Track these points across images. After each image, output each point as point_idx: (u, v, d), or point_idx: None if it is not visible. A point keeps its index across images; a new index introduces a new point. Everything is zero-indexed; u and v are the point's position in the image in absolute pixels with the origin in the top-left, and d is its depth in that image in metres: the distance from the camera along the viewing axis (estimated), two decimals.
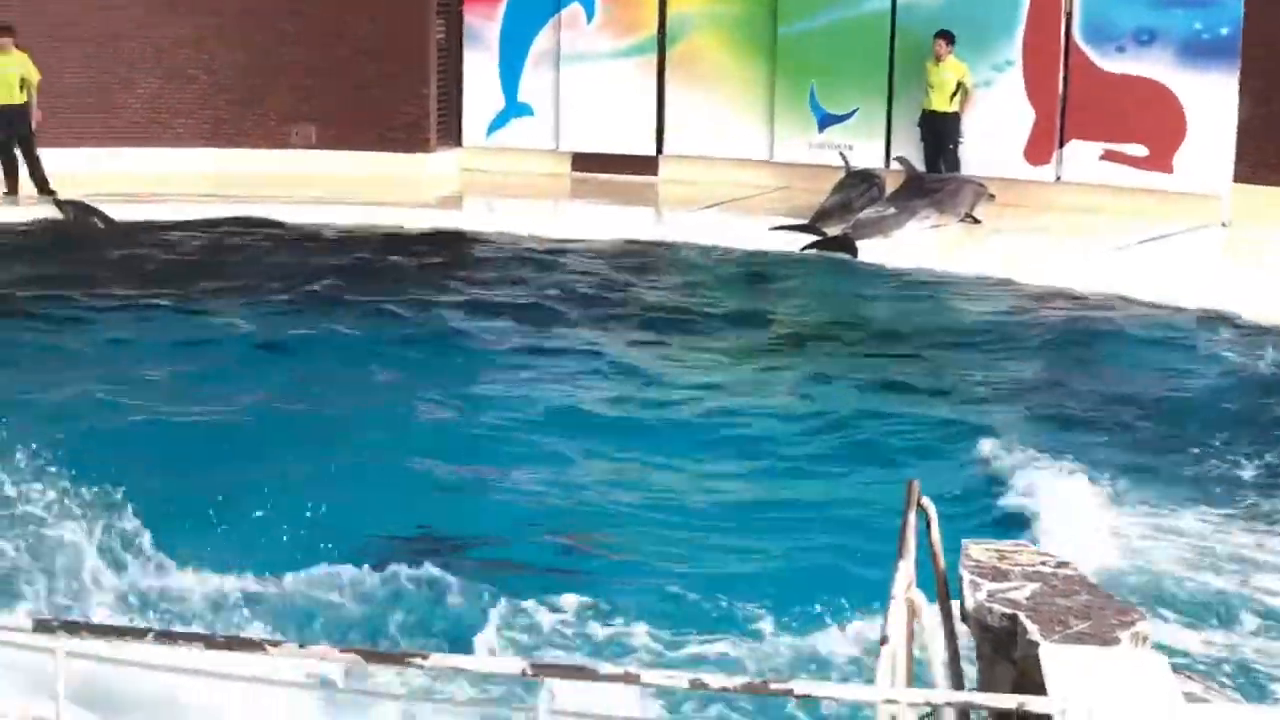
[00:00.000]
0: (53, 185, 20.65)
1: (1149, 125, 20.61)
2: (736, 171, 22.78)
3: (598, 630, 9.15)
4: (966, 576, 6.04)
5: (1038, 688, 5.11)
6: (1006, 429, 12.56)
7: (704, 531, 10.76)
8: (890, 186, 20.48)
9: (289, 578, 9.57)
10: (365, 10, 23.35)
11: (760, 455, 12.39)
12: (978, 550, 6.31)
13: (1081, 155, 21.10)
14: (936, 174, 21.01)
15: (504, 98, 23.98)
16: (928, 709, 5.25)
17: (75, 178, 21.06)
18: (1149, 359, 15.02)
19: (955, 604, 6.20)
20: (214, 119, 23.27)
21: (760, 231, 19.79)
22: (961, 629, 6.08)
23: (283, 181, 22.09)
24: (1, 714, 5.56)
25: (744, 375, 14.83)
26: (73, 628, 5.37)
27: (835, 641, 8.93)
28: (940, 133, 21.32)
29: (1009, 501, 10.98)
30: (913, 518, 5.84)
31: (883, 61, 22.10)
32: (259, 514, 10.18)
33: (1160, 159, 20.62)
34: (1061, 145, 21.21)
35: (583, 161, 23.75)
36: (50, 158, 20.89)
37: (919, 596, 5.47)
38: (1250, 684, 8.61)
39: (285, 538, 9.89)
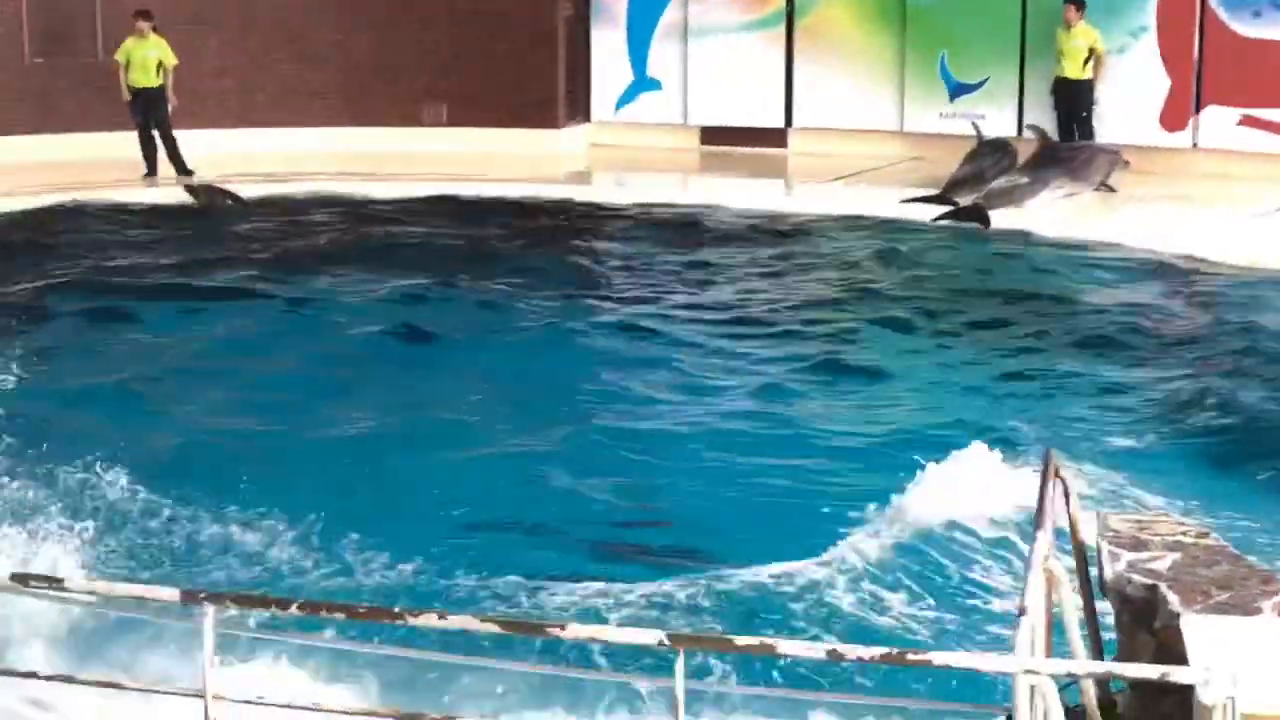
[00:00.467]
0: (190, 166, 20.96)
1: None
2: (866, 143, 22.63)
3: None
4: (1105, 547, 6.00)
5: (1179, 658, 5.07)
6: (1143, 400, 12.42)
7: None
8: (1023, 156, 20.26)
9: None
10: None
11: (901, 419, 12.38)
12: (1117, 520, 6.26)
13: (1219, 121, 20.75)
14: (1070, 142, 20.76)
15: (632, 72, 23.99)
16: (1067, 679, 5.22)
17: (214, 159, 21.37)
18: None
19: (1093, 573, 6.16)
20: (347, 99, 23.49)
21: (892, 203, 19.68)
22: (1100, 599, 6.04)
23: (414, 160, 22.27)
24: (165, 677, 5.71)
25: (879, 345, 14.76)
26: (217, 598, 5.48)
27: None
28: (1073, 100, 21.05)
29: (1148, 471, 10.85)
30: (1050, 488, 5.81)
31: (1014, 29, 21.86)
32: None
33: None
34: (1198, 111, 20.87)
35: (711, 135, 23.70)
36: (189, 139, 21.20)
37: (1057, 567, 5.43)
38: None
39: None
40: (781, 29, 23.17)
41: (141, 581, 6.37)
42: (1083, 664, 5.36)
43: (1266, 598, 5.50)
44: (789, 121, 23.29)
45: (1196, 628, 5.16)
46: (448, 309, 15.88)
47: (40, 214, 19.49)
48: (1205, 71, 20.80)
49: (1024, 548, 7.26)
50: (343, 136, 23.20)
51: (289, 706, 6.07)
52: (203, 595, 5.36)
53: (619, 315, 15.73)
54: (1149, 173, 20.47)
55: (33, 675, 6.47)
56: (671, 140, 23.74)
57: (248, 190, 20.57)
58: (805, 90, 23.10)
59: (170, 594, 5.60)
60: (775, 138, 23.32)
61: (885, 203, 19.71)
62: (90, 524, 9.77)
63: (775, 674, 7.66)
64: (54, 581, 5.93)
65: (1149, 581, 5.65)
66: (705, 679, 6.87)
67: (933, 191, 19.79)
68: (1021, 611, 4.87)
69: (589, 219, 20.13)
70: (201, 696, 5.11)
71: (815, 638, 7.87)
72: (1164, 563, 5.77)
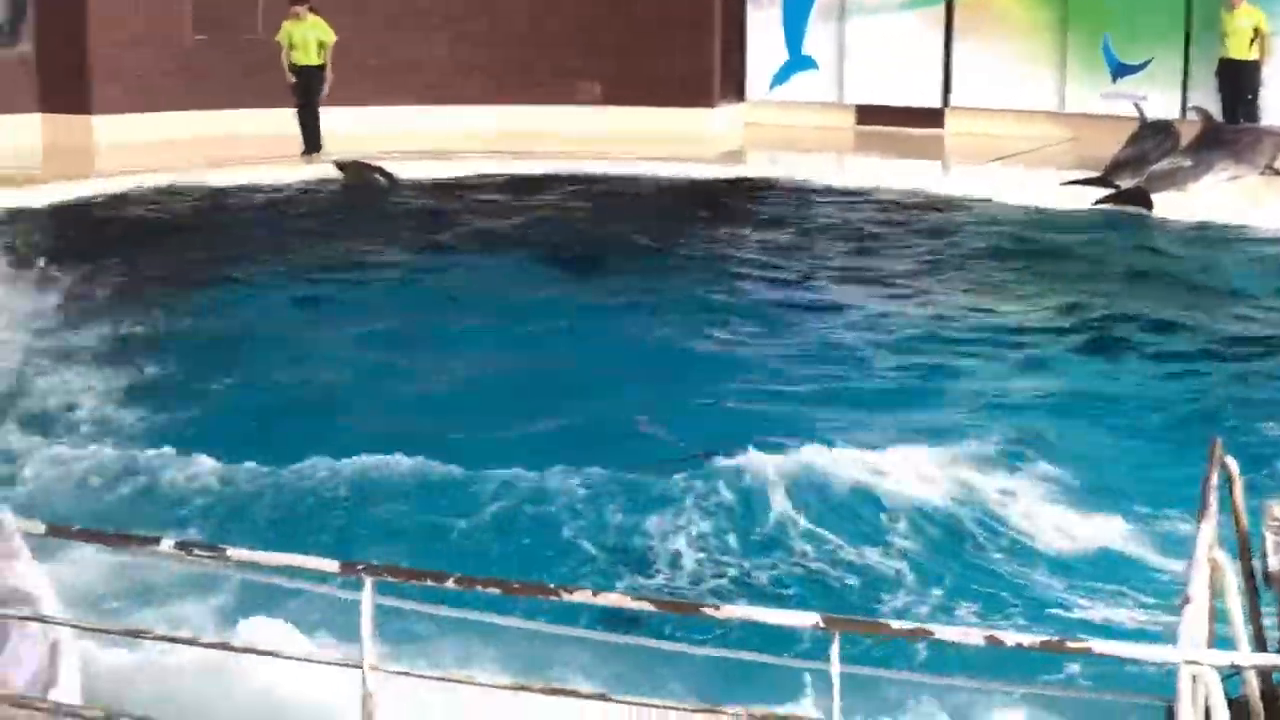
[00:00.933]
0: (335, 145, 21.22)
1: None
2: (1025, 124, 22.38)
3: None
4: (1270, 537, 5.91)
5: None
6: None
7: None
8: (1186, 138, 19.93)
9: None
10: None
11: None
12: None
13: None
14: (1234, 124, 20.38)
15: (788, 51, 23.89)
16: (1230, 670, 5.15)
17: (368, 136, 21.60)
18: None
19: (1257, 564, 6.07)
20: (502, 77, 23.58)
21: (1051, 185, 19.43)
22: (1265, 590, 5.95)
23: (569, 138, 22.35)
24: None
25: (1040, 331, 14.62)
26: (375, 569, 5.55)
27: None
28: (1238, 82, 20.67)
29: None
30: (1215, 476, 5.73)
31: (1178, 9, 21.53)
32: None
33: None
34: None
35: (867, 114, 23.56)
36: (347, 116, 21.44)
37: (1221, 556, 5.36)
38: None
39: None
40: (941, 7, 22.97)
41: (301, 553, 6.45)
42: (1246, 656, 5.29)
43: None
44: (946, 101, 23.10)
45: None
46: (601, 286, 15.98)
47: (196, 190, 19.81)
48: None
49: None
50: (497, 114, 23.31)
51: (444, 679, 6.14)
52: (361, 567, 5.43)
53: (781, 294, 15.79)
54: None
55: (193, 642, 6.60)
56: (826, 119, 23.62)
57: (399, 168, 20.77)
58: (964, 70, 22.89)
59: (329, 565, 5.69)
60: (932, 117, 23.13)
61: (1044, 185, 19.47)
62: None
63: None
64: (215, 550, 6.04)
65: None
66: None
67: (1093, 174, 19.53)
68: (1185, 601, 4.81)
69: (743, 197, 20.12)
70: (359, 667, 5.19)
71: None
72: None
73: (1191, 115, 20.62)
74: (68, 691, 6.26)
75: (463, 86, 23.40)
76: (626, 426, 11.58)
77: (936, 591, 9.24)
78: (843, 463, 10.59)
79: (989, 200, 19.32)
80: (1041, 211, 18.82)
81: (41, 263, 14.92)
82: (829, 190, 20.12)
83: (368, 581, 5.25)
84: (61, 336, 13.69)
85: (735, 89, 24.12)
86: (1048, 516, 10.12)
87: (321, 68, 21.09)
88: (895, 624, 5.13)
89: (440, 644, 7.87)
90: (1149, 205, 18.65)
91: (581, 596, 5.56)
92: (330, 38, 21.06)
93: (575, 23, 23.53)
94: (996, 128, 22.47)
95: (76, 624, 6.45)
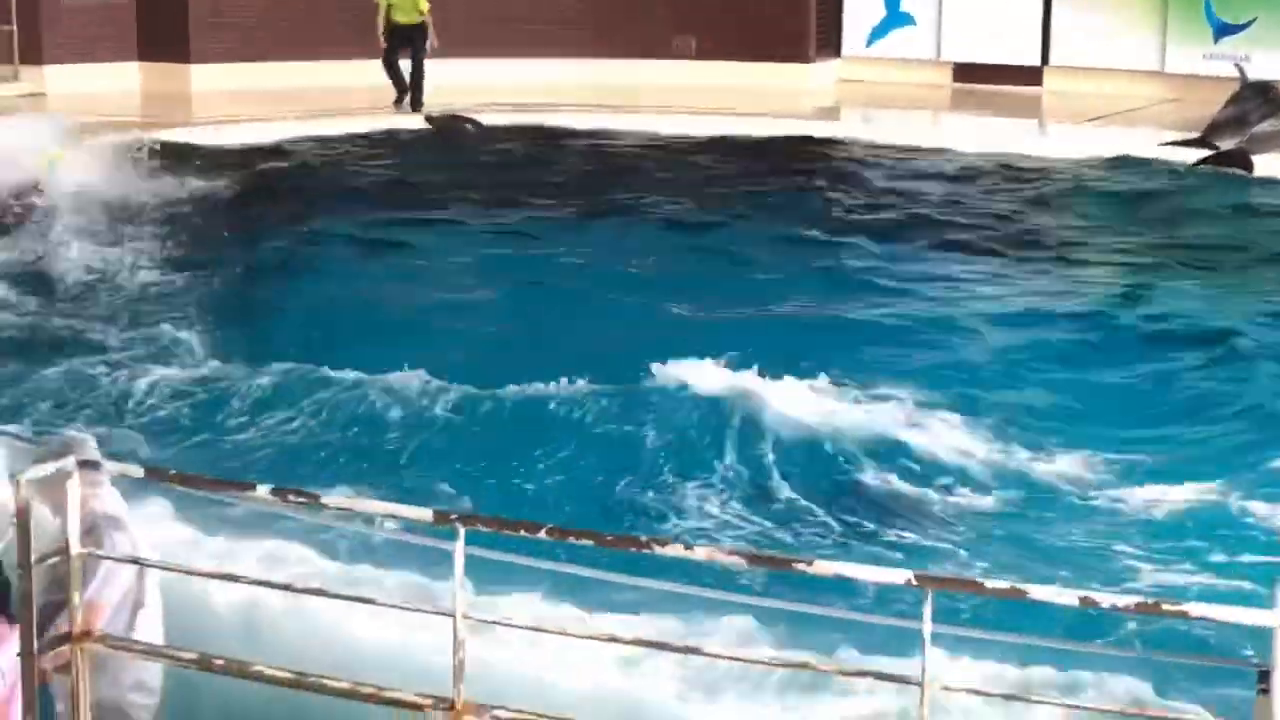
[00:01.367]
0: (437, 98, 21.31)
1: None
2: (1125, 83, 22.14)
3: None
4: None
5: None
6: None
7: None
8: None
9: None
10: None
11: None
12: None
13: None
14: None
15: (885, 7, 23.73)
16: None
17: (464, 87, 21.66)
18: None
19: None
20: (598, 30, 23.54)
21: (1150, 145, 19.20)
22: None
23: (663, 92, 22.29)
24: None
25: (1127, 292, 14.47)
26: (469, 519, 5.56)
27: None
28: None
29: None
30: None
31: None
32: None
33: None
34: None
35: (964, 72, 23.37)
36: (446, 69, 21.51)
37: None
38: None
39: None
40: None
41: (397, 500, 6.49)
42: None
43: None
44: (1045, 60, 22.87)
45: None
46: (690, 239, 15.99)
47: (294, 140, 19.95)
48: None
49: None
50: (592, 68, 23.27)
51: (535, 629, 6.17)
52: (454, 516, 5.44)
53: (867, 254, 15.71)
54: None
55: (288, 588, 6.65)
56: (923, 76, 23.46)
57: (491, 118, 20.80)
58: (1064, 28, 22.65)
59: (423, 513, 5.70)
60: (1030, 75, 22.91)
61: (1142, 145, 19.23)
62: None
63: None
64: (311, 497, 6.07)
65: None
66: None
67: (1193, 135, 19.28)
68: None
69: (833, 154, 20.02)
70: (451, 615, 5.20)
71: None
72: None
73: None
74: (153, 619, 6.35)
75: (561, 39, 23.37)
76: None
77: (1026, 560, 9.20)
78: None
79: (1083, 159, 19.12)
80: (1138, 171, 18.61)
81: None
82: (916, 149, 19.98)
83: (461, 530, 5.25)
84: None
85: (832, 45, 23.97)
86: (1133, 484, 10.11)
87: (421, 25, 21.16)
88: (990, 583, 5.09)
89: (538, 594, 7.90)
90: (1250, 167, 18.39)
91: (674, 550, 5.54)
92: (426, 4, 21.14)
93: None
94: (1096, 87, 22.22)
95: (174, 567, 6.52)
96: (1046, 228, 16.71)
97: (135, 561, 6.15)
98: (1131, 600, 4.85)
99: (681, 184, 18.16)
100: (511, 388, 11.10)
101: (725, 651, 6.55)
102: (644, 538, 6.13)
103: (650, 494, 9.96)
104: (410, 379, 11.19)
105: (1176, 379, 12.09)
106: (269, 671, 5.46)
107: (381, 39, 21.11)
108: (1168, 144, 19.18)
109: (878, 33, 23.82)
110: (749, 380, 11.10)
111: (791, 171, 19.08)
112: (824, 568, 5.42)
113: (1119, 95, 21.86)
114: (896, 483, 10.14)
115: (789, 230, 16.22)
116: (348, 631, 7.66)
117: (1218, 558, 9.06)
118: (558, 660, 7.34)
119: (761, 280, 14.57)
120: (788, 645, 7.32)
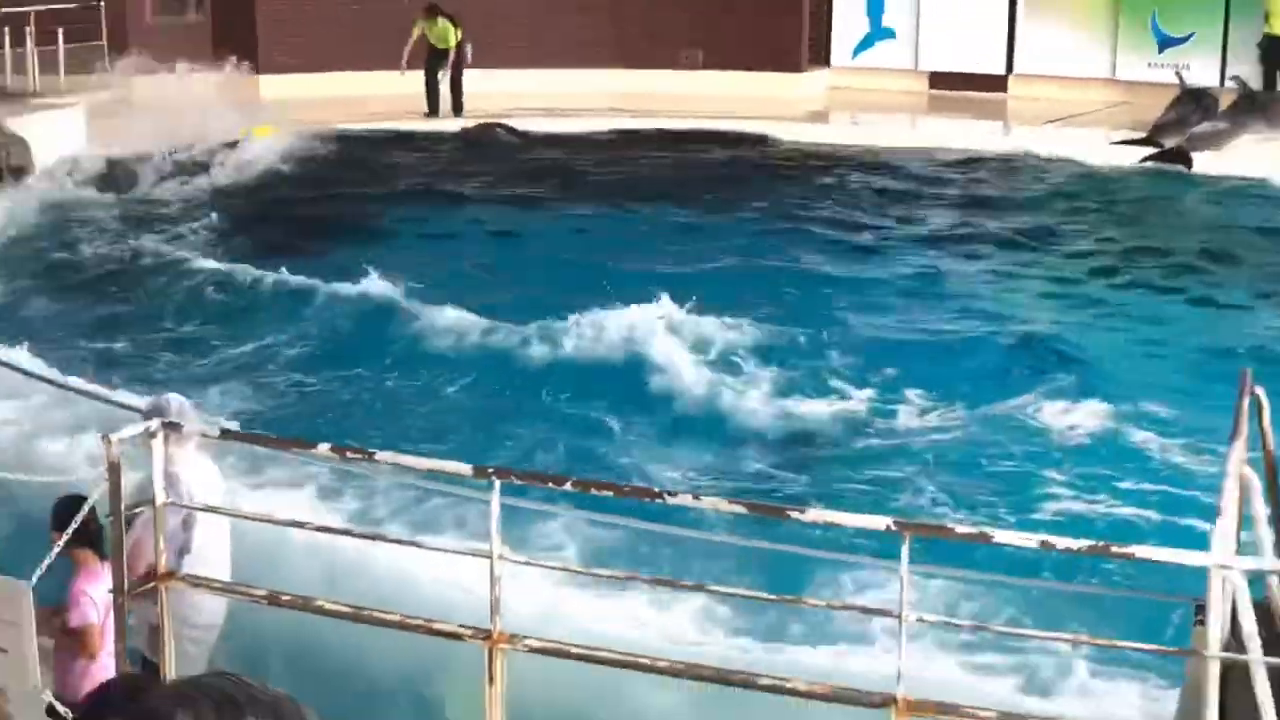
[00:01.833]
0: (474, 104, 21.27)
1: None
2: (1080, 89, 22.05)
3: None
4: None
5: None
6: None
7: None
8: (1224, 104, 19.54)
9: None
10: None
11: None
12: None
13: None
14: (1269, 91, 19.97)
15: (869, 22, 23.64)
16: (1255, 575, 5.09)
17: (502, 95, 21.61)
18: None
19: None
20: (617, 45, 23.48)
21: (1101, 144, 19.15)
22: None
23: (674, 99, 22.24)
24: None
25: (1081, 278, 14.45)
26: (504, 473, 5.58)
27: None
28: (1278, 56, 20.24)
29: None
30: (1245, 403, 5.65)
31: None
32: None
33: None
34: None
35: (939, 80, 23.29)
36: (485, 78, 21.46)
37: (1250, 474, 5.29)
38: None
39: None
40: None
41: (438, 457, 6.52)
42: (1271, 562, 5.22)
43: None
44: (1010, 68, 22.79)
45: None
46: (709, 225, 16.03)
47: (349, 139, 19.96)
48: None
49: None
50: (613, 77, 23.22)
51: (564, 569, 6.19)
52: (491, 471, 5.47)
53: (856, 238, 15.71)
54: None
55: (347, 532, 6.68)
56: (902, 84, 23.36)
57: (526, 124, 20.77)
58: (1027, 40, 22.56)
59: (463, 468, 5.73)
60: (996, 82, 22.83)
61: (1093, 144, 19.18)
62: None
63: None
64: (366, 454, 6.10)
65: None
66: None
67: (1140, 134, 19.22)
68: (1218, 513, 4.75)
69: (823, 156, 20.00)
70: (488, 557, 5.23)
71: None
72: None
73: (1230, 83, 20.24)
74: (214, 562, 6.38)
75: (586, 53, 23.29)
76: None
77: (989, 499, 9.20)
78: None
79: (1041, 156, 19.08)
80: (1089, 167, 18.56)
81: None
82: (898, 148, 19.95)
83: (496, 483, 5.28)
84: None
85: (821, 56, 23.90)
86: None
87: (449, 51, 21.14)
88: (959, 529, 5.11)
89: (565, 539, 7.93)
90: (1189, 163, 18.34)
91: (683, 500, 5.57)
92: (454, 40, 21.12)
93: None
94: (1055, 92, 22.14)
95: (241, 514, 6.55)
96: (1005, 214, 16.72)
97: (209, 509, 6.18)
98: (1084, 543, 4.85)
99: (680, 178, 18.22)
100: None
101: (728, 590, 6.57)
102: (657, 489, 6.15)
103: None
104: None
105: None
106: (330, 606, 5.49)
107: (404, 61, 21.03)
108: (1118, 143, 19.14)
109: (862, 45, 23.73)
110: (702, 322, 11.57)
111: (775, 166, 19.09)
112: (814, 515, 5.44)
113: (1075, 100, 21.78)
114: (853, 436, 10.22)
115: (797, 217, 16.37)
116: (397, 573, 7.69)
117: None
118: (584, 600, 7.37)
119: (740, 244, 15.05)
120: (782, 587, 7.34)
